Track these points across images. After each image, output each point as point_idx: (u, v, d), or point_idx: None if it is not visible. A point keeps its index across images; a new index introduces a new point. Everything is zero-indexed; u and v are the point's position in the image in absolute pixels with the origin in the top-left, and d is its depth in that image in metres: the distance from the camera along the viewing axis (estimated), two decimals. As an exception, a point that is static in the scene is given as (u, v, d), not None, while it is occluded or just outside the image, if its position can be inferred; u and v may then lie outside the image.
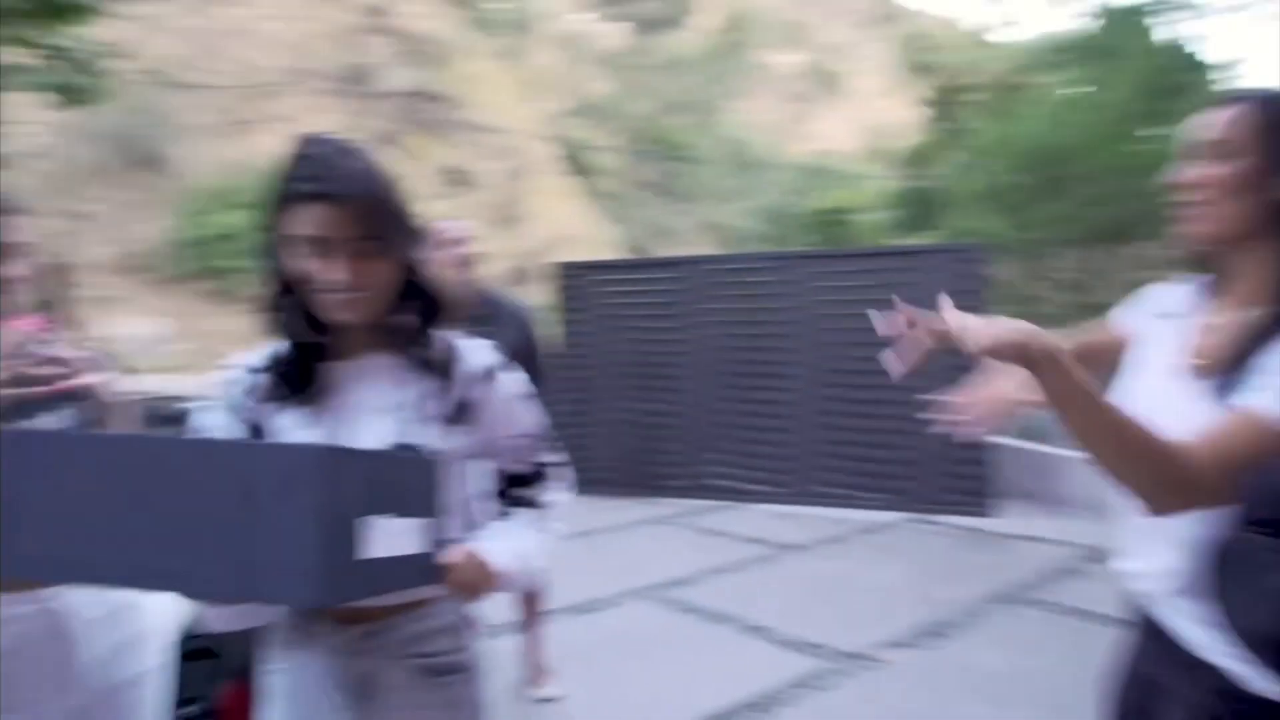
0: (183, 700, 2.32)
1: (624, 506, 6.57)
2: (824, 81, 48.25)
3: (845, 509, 6.16)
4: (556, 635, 3.63)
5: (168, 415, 3.45)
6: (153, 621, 1.70)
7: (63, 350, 1.36)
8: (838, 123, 45.88)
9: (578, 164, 31.62)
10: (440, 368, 1.24)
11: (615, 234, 29.07)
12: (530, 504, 1.34)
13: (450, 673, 1.27)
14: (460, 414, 1.25)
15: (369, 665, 1.22)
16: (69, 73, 7.12)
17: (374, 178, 1.18)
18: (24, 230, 1.44)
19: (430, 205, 20.64)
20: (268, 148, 19.41)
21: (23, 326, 1.31)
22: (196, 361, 15.58)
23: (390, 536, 0.98)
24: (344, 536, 0.91)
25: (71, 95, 7.19)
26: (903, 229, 17.47)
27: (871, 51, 48.79)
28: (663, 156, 34.57)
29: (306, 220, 1.13)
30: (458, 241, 3.01)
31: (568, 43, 42.42)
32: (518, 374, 1.33)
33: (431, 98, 22.48)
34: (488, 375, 1.28)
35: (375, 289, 1.18)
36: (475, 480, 1.31)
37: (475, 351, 1.29)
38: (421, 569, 1.07)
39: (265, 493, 0.88)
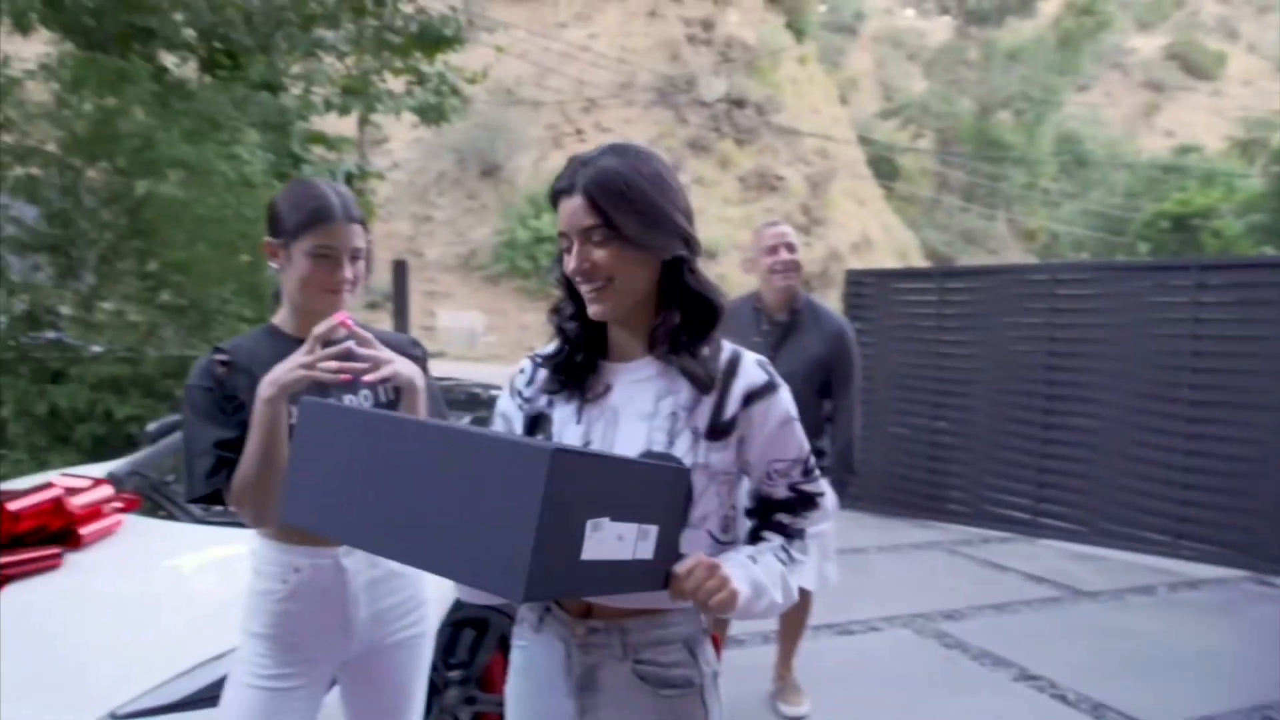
0: (452, 664, 2.60)
1: (895, 527, 6.28)
2: (1189, 67, 42.21)
3: (1157, 556, 5.38)
4: (811, 653, 3.58)
5: (480, 401, 3.91)
6: (428, 589, 1.82)
7: (374, 342, 1.53)
8: (1200, 114, 39.95)
9: (885, 167, 30.58)
10: (709, 380, 1.21)
11: (918, 240, 27.71)
12: (785, 531, 1.27)
13: (673, 686, 1.24)
14: (722, 430, 1.21)
15: (593, 660, 1.26)
16: (429, 96, 8.24)
17: (617, 172, 1.18)
18: (362, 237, 1.64)
19: (735, 211, 21.11)
20: (589, 156, 20.91)
21: (347, 319, 1.51)
22: (509, 352, 17.34)
23: (617, 541, 0.99)
24: (565, 537, 0.93)
25: (429, 115, 8.27)
26: (1276, 237, 14.77)
27: (1250, 30, 41.80)
28: (977, 158, 32.29)
29: (559, 216, 1.23)
30: (774, 248, 2.98)
31: (886, 42, 41.16)
32: (786, 396, 1.26)
33: (745, 104, 22.93)
34: (757, 394, 1.23)
35: (618, 281, 1.19)
36: (728, 498, 1.26)
37: (749, 368, 1.25)
38: (649, 575, 1.08)
39: (493, 487, 0.92)
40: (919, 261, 24.62)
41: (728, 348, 1.27)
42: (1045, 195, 34.34)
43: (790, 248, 2.98)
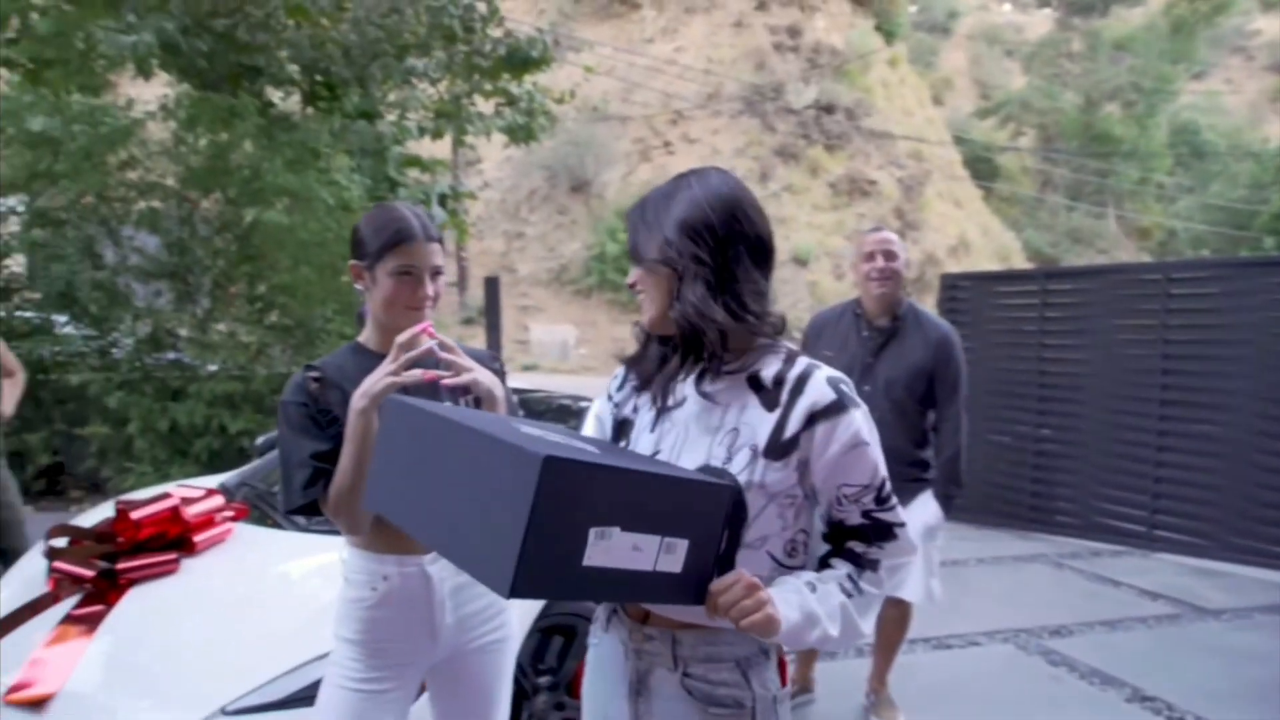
0: (541, 670, 2.64)
1: (997, 538, 6.04)
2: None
3: (1291, 574, 5.00)
4: (906, 668, 3.48)
5: (571, 412, 3.98)
6: None
7: (455, 349, 1.62)
8: (1333, 98, 37.28)
9: (983, 167, 29.61)
10: (775, 395, 1.20)
11: (1020, 241, 26.67)
12: (856, 560, 1.21)
13: (721, 705, 1.22)
14: (781, 449, 1.18)
15: (646, 666, 1.28)
16: (517, 116, 8.45)
17: (663, 195, 1.26)
18: (440, 255, 1.72)
19: (825, 217, 20.81)
20: (680, 168, 21.04)
21: (429, 327, 1.59)
22: (600, 364, 17.51)
23: (633, 551, 1.00)
24: (561, 541, 0.95)
25: (518, 135, 8.49)
26: None
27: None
28: (1084, 154, 30.89)
29: None
30: (871, 254, 2.92)
31: (981, 40, 39.94)
32: (858, 417, 1.19)
33: (834, 109, 22.63)
34: (822, 414, 1.17)
35: (645, 297, 1.26)
36: (794, 521, 1.23)
37: (817, 385, 1.19)
38: (680, 589, 1.08)
39: (495, 485, 0.97)
40: (1021, 263, 23.70)
41: (801, 363, 1.23)
42: (1160, 190, 32.57)
43: (888, 255, 2.91)
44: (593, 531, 0.97)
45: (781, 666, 1.29)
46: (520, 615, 2.48)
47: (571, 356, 18.09)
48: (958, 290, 6.86)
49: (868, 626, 1.21)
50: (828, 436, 1.17)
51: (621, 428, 1.36)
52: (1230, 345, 5.34)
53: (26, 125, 5.58)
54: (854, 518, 1.21)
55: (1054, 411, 6.20)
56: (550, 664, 2.67)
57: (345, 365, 1.69)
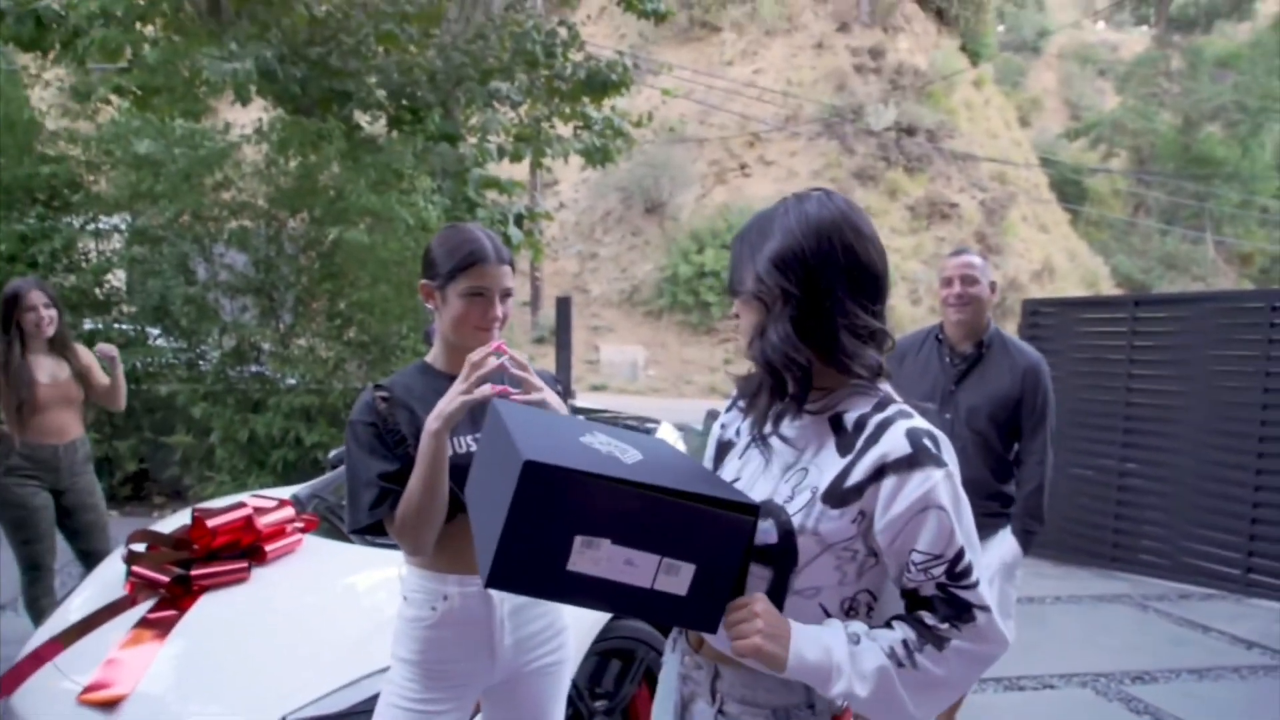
0: (598, 694, 2.63)
1: (1077, 576, 5.78)
2: None
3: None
4: (977, 708, 3.35)
5: (636, 432, 3.99)
6: (567, 616, 1.84)
7: (528, 368, 1.63)
8: None
9: (1071, 190, 28.65)
10: (852, 439, 1.13)
11: (1109, 267, 25.64)
12: (922, 629, 1.09)
13: None
14: (841, 497, 1.11)
15: (689, 693, 1.27)
16: (595, 139, 8.58)
17: (763, 220, 1.21)
18: (511, 277, 1.73)
19: (904, 241, 20.44)
20: (756, 191, 21.20)
21: (502, 345, 1.60)
22: (669, 386, 17.48)
23: (625, 565, 1.01)
24: (542, 543, 1.00)
25: (594, 158, 8.60)
26: None
27: None
28: (1181, 176, 29.61)
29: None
30: (950, 279, 2.83)
31: (1073, 59, 38.80)
32: (937, 478, 1.08)
33: (915, 131, 22.26)
34: (892, 467, 1.09)
35: (745, 331, 1.22)
36: (855, 579, 1.15)
37: (894, 436, 1.10)
38: (690, 613, 1.07)
39: (499, 482, 1.05)
40: (1110, 290, 22.79)
41: (890, 409, 1.14)
42: (1264, 214, 30.92)
43: (967, 279, 2.80)
44: (578, 539, 0.99)
45: None
46: (578, 637, 2.47)
47: (640, 377, 18.12)
48: (1040, 316, 6.64)
49: (920, 710, 1.08)
50: (894, 493, 1.08)
51: (722, 450, 1.35)
52: (1337, 379, 5.02)
53: (133, 148, 5.93)
54: (927, 589, 1.09)
55: (1140, 445, 5.92)
56: (607, 687, 2.65)
57: (413, 385, 1.70)
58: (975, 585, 1.10)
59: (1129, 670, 4.03)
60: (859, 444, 1.12)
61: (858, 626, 1.11)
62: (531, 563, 1.00)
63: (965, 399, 2.81)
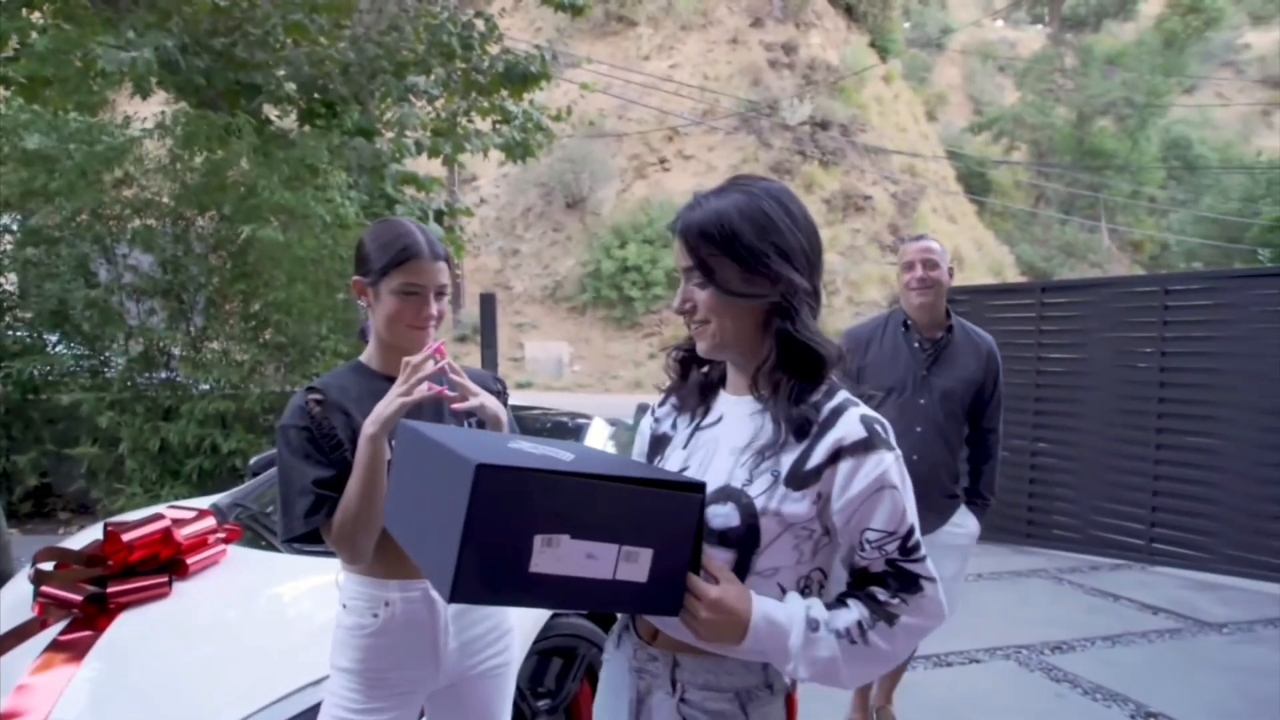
0: (540, 693, 2.60)
1: (996, 553, 6.01)
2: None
3: (1293, 588, 4.97)
4: (909, 685, 3.44)
5: (567, 429, 3.96)
6: (512, 618, 1.83)
7: (463, 374, 1.62)
8: (1323, 112, 37.55)
9: (976, 183, 29.74)
10: (801, 426, 1.15)
11: (1014, 255, 26.74)
12: (874, 605, 1.13)
13: None
14: (801, 480, 1.14)
15: (646, 686, 1.26)
16: (514, 134, 8.46)
17: (719, 216, 1.16)
18: (446, 274, 1.69)
19: (821, 233, 20.88)
20: (675, 185, 21.31)
21: (441, 347, 1.58)
22: (594, 381, 17.46)
23: (586, 559, 1.00)
24: (503, 548, 0.96)
25: (515, 153, 8.49)
26: None
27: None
28: (1076, 168, 31.06)
29: (675, 253, 1.24)
30: (911, 263, 2.85)
31: (975, 55, 40.23)
32: (888, 460, 1.13)
33: (829, 125, 22.72)
34: (848, 450, 1.12)
35: (714, 324, 1.19)
36: (810, 557, 1.18)
37: (849, 422, 1.14)
38: (650, 599, 1.06)
39: (445, 493, 1.00)
40: (1015, 278, 23.76)
41: (839, 396, 1.18)
42: (1152, 204, 32.72)
43: (928, 264, 2.83)
44: (538, 539, 0.97)
45: (790, 704, 1.22)
46: (520, 637, 2.45)
47: (565, 374, 18.04)
48: (954, 304, 6.80)
49: (854, 680, 1.13)
50: (851, 474, 1.12)
51: (658, 444, 1.35)
52: (1226, 358, 5.34)
53: (22, 143, 5.58)
54: (877, 565, 1.14)
55: (1051, 425, 6.18)
56: (549, 686, 2.62)
57: (348, 386, 1.64)
58: (924, 559, 1.15)
59: (1048, 641, 4.21)
60: (814, 429, 1.15)
61: (818, 612, 1.13)
62: (493, 570, 0.96)
63: (938, 383, 2.85)
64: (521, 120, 8.48)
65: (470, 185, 20.67)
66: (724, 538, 1.15)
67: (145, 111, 6.58)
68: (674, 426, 1.34)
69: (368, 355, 1.70)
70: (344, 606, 1.64)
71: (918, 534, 1.15)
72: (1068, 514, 6.05)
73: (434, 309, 1.63)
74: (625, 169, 21.73)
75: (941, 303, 2.89)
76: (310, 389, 1.62)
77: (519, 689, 2.45)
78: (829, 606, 1.15)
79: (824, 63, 24.18)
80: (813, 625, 1.11)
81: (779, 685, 1.20)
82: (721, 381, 1.31)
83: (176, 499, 3.86)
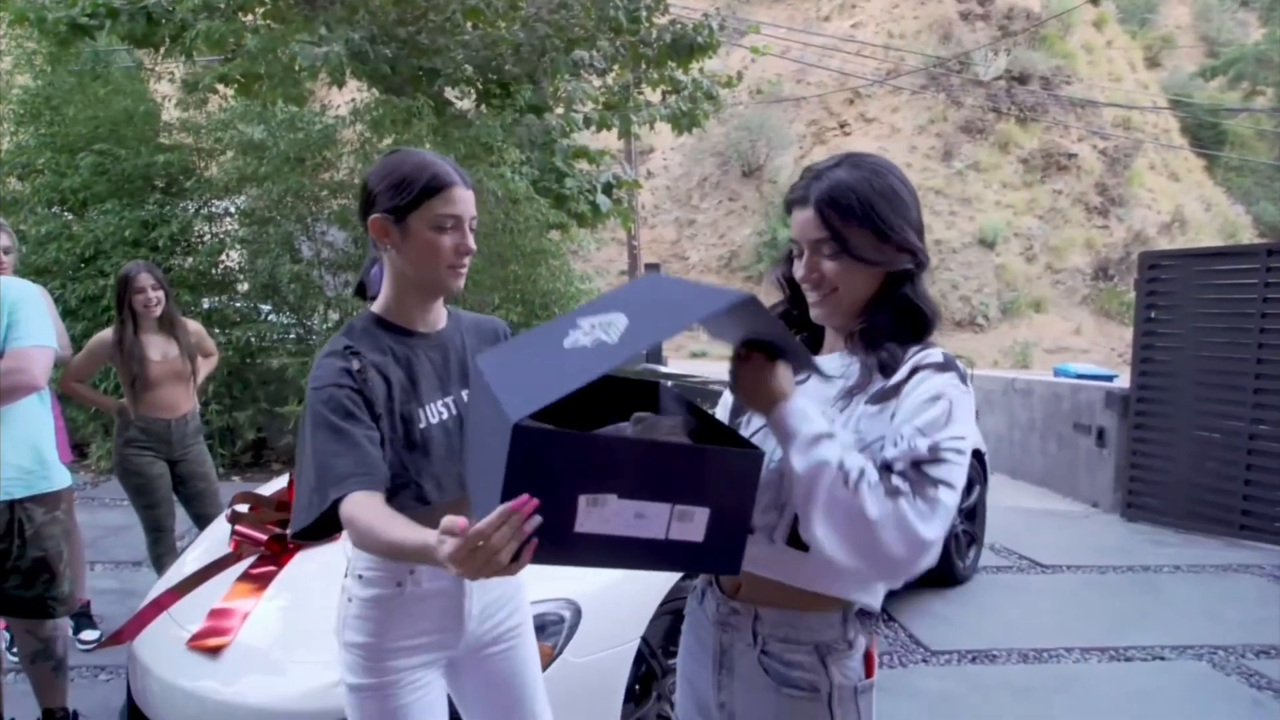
0: (671, 651, 2.62)
1: (1197, 543, 5.43)
2: None
3: None
4: (1076, 677, 3.21)
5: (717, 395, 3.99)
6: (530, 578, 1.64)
7: None
8: None
9: (1207, 134, 26.56)
10: (885, 365, 1.19)
11: (1251, 216, 23.69)
12: (882, 472, 1.08)
13: (795, 688, 1.21)
14: (882, 395, 1.16)
15: (729, 640, 1.29)
16: (683, 103, 8.48)
17: (850, 187, 1.19)
18: (474, 204, 1.55)
19: (1016, 195, 19.45)
20: (854, 149, 20.32)
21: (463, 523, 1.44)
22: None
23: (635, 519, 0.98)
24: (547, 506, 0.93)
25: (681, 123, 8.51)
26: None
27: None
28: (1336, 112, 27.00)
29: (793, 224, 1.27)
30: None
31: (1205, -10, 35.80)
32: (957, 381, 1.15)
33: (1028, 79, 21.05)
34: (927, 367, 1.16)
35: (842, 291, 1.21)
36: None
37: (933, 352, 1.18)
38: (713, 558, 1.05)
39: (494, 450, 0.99)
40: (1252, 240, 21.09)
41: (931, 346, 1.22)
42: None
43: None
44: (583, 499, 0.95)
45: (869, 658, 1.23)
46: (650, 596, 2.50)
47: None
48: (1159, 270, 6.20)
49: (823, 531, 1.05)
50: (919, 384, 1.14)
51: (739, 409, 1.35)
52: None
53: (240, 134, 6.23)
54: (901, 464, 1.08)
55: (1274, 405, 5.47)
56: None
57: (377, 343, 1.44)
58: (951, 472, 1.08)
59: (1251, 644, 3.77)
60: (900, 367, 1.19)
61: (844, 439, 1.11)
62: (537, 529, 0.94)
63: None
64: (690, 90, 8.47)
65: (648, 157, 20.92)
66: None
67: (341, 100, 7.15)
68: None
69: (383, 306, 1.50)
70: (359, 577, 1.46)
71: (952, 456, 1.08)
72: (1290, 504, 5.36)
73: (472, 241, 1.46)
74: (804, 135, 21.20)
75: None
76: (348, 347, 1.41)
77: (649, 645, 2.51)
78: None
79: (1024, 10, 22.37)
80: (830, 435, 1.09)
81: (858, 642, 1.23)
82: (812, 346, 1.33)
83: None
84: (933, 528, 1.05)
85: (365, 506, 1.26)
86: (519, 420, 0.92)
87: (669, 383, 1.76)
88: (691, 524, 1.02)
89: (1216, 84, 30.29)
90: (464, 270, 1.46)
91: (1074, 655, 3.59)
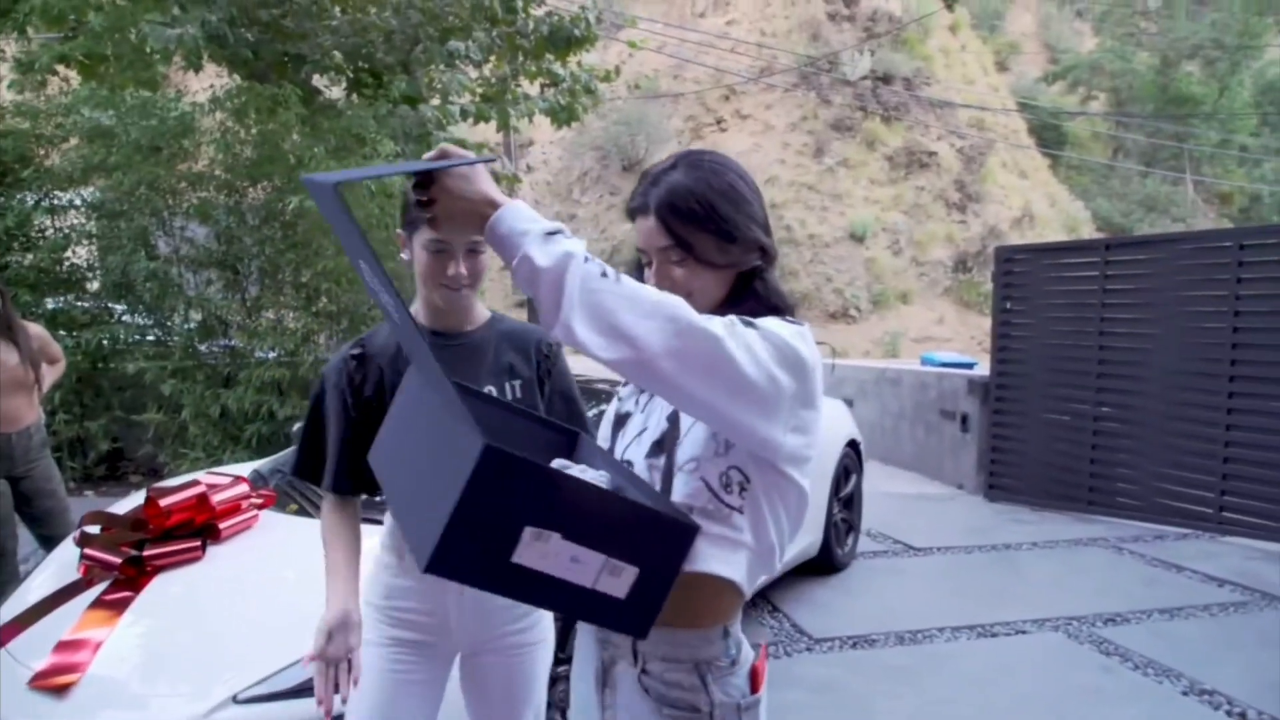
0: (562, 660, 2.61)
1: (1051, 520, 5.84)
2: None
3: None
4: (948, 655, 3.37)
5: (607, 396, 3.96)
6: None
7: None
8: None
9: (1050, 135, 28.52)
10: None
11: (1090, 211, 25.61)
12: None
13: (674, 708, 1.18)
14: None
15: (610, 657, 1.27)
16: (562, 96, 8.40)
17: (689, 190, 1.18)
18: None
19: (883, 191, 20.32)
20: (732, 146, 20.95)
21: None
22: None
23: (570, 562, 0.98)
24: (492, 532, 0.94)
25: (559, 116, 8.43)
26: None
27: None
28: (1159, 117, 29.51)
29: (637, 233, 1.24)
30: None
31: (1050, 0, 38.37)
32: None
33: (891, 80, 21.98)
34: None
35: (696, 295, 1.18)
36: (719, 443, 1.15)
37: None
38: (622, 616, 1.04)
39: (445, 461, 0.98)
40: (1091, 234, 22.78)
41: None
42: (1243, 153, 30.94)
43: None
44: (528, 531, 0.95)
45: (755, 674, 1.21)
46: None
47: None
48: (1013, 264, 6.61)
49: (580, 316, 0.95)
50: None
51: (620, 421, 1.35)
52: (1308, 317, 5.03)
53: (83, 120, 5.74)
54: None
55: (1114, 389, 5.94)
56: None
57: (390, 342, 1.67)
58: (765, 326, 1.09)
59: (1101, 613, 4.07)
60: None
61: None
62: (476, 552, 0.95)
63: None
64: (569, 83, 8.40)
65: (525, 151, 20.68)
66: (658, 445, 1.21)
67: (197, 86, 6.71)
68: (636, 404, 1.35)
69: (414, 306, 1.67)
70: (381, 544, 1.72)
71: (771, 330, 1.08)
72: (1132, 480, 5.83)
73: (464, 268, 1.58)
74: (681, 130, 21.44)
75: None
76: (355, 344, 1.69)
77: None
78: None
79: (886, 13, 23.35)
80: (565, 233, 1.00)
81: (743, 656, 1.21)
82: None
83: (236, 463, 3.99)
84: (715, 325, 1.02)
85: (329, 518, 1.70)
86: (491, 440, 0.91)
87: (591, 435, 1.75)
88: (618, 580, 1.02)
89: (1057, 88, 32.57)
90: (458, 290, 1.58)
91: (945, 635, 3.79)
